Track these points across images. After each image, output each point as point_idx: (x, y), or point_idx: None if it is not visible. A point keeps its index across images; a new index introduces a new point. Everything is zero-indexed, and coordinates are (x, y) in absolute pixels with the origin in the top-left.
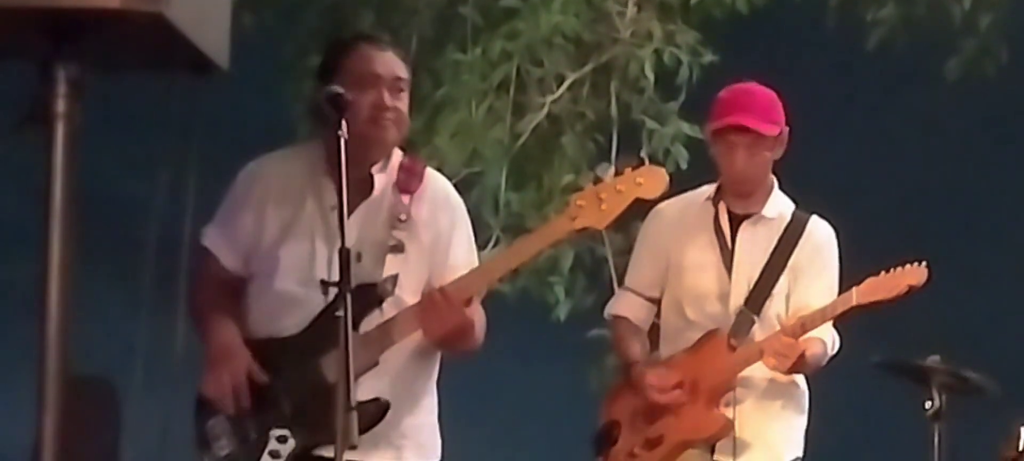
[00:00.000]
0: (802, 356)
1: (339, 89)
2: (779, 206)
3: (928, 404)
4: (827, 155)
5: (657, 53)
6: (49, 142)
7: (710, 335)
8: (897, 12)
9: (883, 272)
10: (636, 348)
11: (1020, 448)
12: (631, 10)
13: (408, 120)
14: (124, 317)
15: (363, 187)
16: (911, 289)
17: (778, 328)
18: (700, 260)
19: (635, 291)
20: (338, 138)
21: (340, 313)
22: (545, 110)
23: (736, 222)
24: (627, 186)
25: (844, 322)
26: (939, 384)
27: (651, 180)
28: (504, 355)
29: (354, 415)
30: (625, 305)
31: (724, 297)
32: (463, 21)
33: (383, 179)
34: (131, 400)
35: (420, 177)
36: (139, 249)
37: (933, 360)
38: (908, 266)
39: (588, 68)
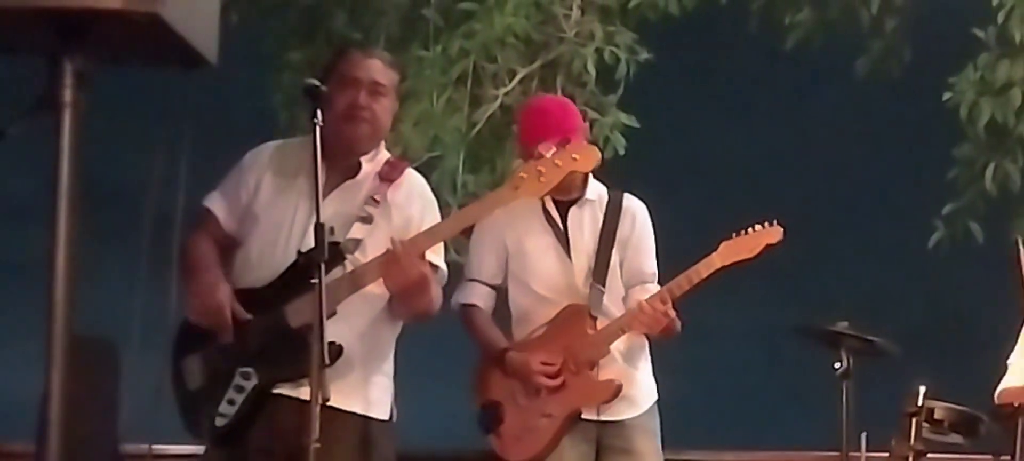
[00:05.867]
0: (673, 321)
1: (315, 82)
2: (597, 189)
3: (837, 365)
4: (748, 145)
5: (598, 51)
6: (57, 128)
7: (570, 310)
8: (812, 15)
9: (735, 234)
10: (499, 334)
11: (919, 404)
12: (575, 13)
13: (384, 120)
14: (123, 284)
15: (350, 172)
16: (768, 247)
17: (623, 297)
18: (540, 245)
19: (480, 281)
20: (314, 125)
21: (314, 280)
22: (498, 102)
23: (563, 208)
24: (564, 161)
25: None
26: (847, 347)
27: (585, 156)
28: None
29: (326, 372)
30: (474, 294)
31: (567, 273)
32: (426, 22)
33: (369, 167)
34: (129, 358)
35: (401, 172)
36: (137, 224)
37: (842, 326)
38: (763, 226)
39: (537, 64)
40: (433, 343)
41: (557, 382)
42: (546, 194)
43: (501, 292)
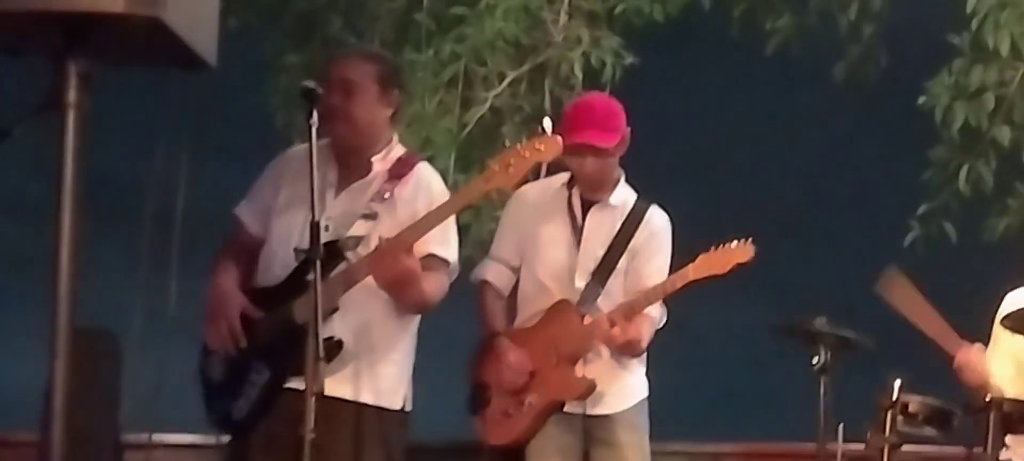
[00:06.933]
0: (631, 341)
1: (311, 84)
2: (623, 195)
3: (815, 360)
4: (730, 147)
5: (585, 55)
6: (62, 127)
7: (560, 305)
8: (792, 22)
9: (712, 249)
10: (500, 319)
11: (894, 397)
12: (563, 18)
13: (360, 114)
14: (124, 279)
15: (361, 171)
16: (739, 265)
17: (620, 301)
18: (554, 235)
19: (499, 260)
20: (310, 127)
21: (310, 276)
22: (488, 104)
23: (586, 206)
24: (530, 153)
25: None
26: (825, 343)
27: (548, 147)
28: (457, 316)
29: (322, 364)
30: (491, 271)
31: (572, 267)
32: (418, 26)
33: (380, 166)
34: (130, 350)
35: (410, 167)
36: (138, 221)
37: (820, 322)
38: (736, 244)
39: (526, 68)
40: (442, 333)
41: (520, 381)
42: (516, 184)
43: (520, 274)
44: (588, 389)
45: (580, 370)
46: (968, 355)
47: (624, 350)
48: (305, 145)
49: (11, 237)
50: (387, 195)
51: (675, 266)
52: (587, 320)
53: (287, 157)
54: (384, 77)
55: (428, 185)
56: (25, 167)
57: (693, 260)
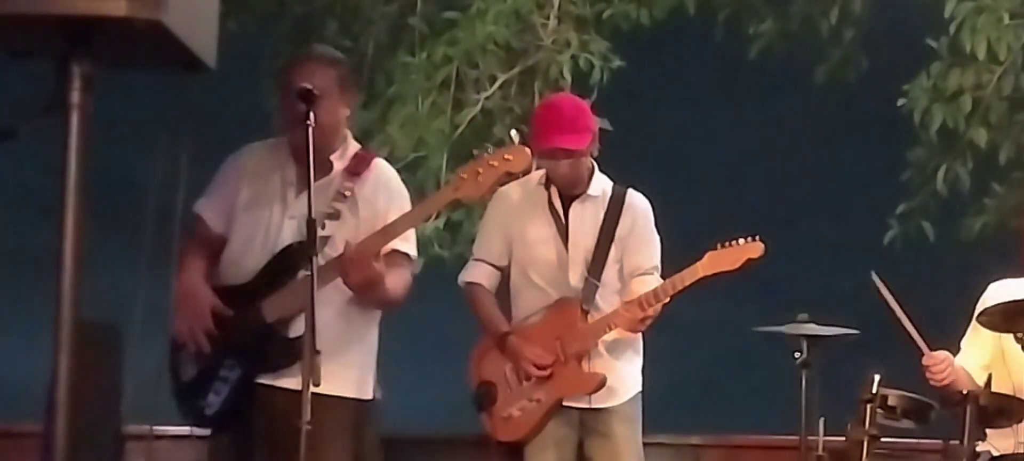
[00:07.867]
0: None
1: (308, 85)
2: (601, 184)
3: (797, 355)
4: (714, 148)
5: (574, 59)
6: (65, 128)
7: (564, 303)
8: (775, 26)
9: (719, 245)
10: (502, 319)
11: (874, 391)
12: (552, 22)
13: (326, 120)
14: (126, 274)
15: (322, 170)
16: (749, 261)
17: (617, 291)
18: (540, 235)
19: (485, 261)
20: (306, 128)
21: (305, 272)
22: (480, 105)
23: (567, 202)
24: (499, 162)
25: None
26: (807, 338)
27: (518, 157)
28: (448, 312)
29: (319, 357)
30: (478, 273)
31: (563, 265)
32: (412, 30)
33: (339, 164)
34: (132, 343)
35: (368, 164)
36: (140, 217)
37: (802, 318)
38: (745, 241)
39: (516, 70)
40: (419, 329)
41: (544, 374)
42: (487, 193)
43: (505, 273)
44: (599, 385)
45: (587, 366)
46: (935, 357)
47: (638, 328)
48: (262, 143)
49: (17, 233)
50: (347, 194)
51: (662, 258)
52: (592, 317)
53: (243, 154)
54: (343, 80)
55: (387, 182)
56: (30, 166)
57: (677, 262)
